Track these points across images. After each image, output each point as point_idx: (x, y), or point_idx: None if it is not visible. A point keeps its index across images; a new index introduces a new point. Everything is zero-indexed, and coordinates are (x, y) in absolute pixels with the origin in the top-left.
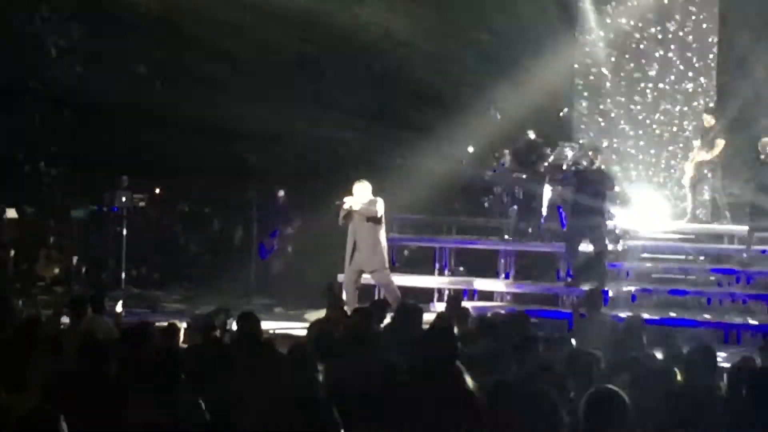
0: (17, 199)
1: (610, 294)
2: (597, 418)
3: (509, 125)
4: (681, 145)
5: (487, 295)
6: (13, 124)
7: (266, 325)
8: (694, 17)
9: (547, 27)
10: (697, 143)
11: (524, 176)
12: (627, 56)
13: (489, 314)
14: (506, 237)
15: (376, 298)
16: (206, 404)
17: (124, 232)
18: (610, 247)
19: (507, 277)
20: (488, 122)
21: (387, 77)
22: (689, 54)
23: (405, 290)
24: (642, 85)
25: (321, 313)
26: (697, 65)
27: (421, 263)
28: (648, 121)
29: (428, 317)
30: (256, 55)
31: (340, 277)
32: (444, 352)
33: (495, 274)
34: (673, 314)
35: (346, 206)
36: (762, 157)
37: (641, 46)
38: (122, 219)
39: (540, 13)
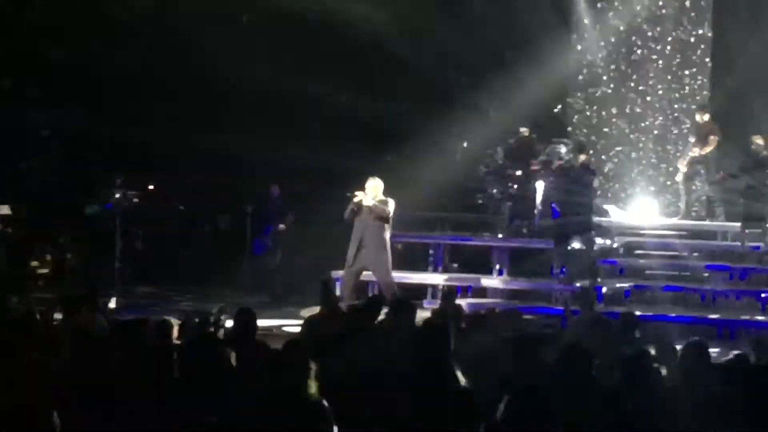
0: (10, 196)
1: (604, 290)
2: None
3: (503, 122)
4: (674, 142)
5: (481, 292)
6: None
7: (261, 322)
8: (687, 15)
9: (542, 26)
10: (690, 140)
11: (518, 173)
12: (621, 54)
13: (482, 311)
14: (500, 234)
15: (371, 294)
16: (199, 401)
17: (118, 228)
18: (603, 243)
19: (500, 273)
20: (482, 119)
21: (381, 75)
22: (683, 51)
23: (398, 287)
24: (635, 82)
25: (316, 310)
26: (690, 63)
27: (415, 260)
28: (641, 118)
29: (422, 314)
30: (253, 50)
31: (335, 274)
32: (438, 349)
33: (488, 271)
34: (666, 311)
35: (356, 200)
36: (755, 153)
37: (635, 45)
38: (116, 216)
39: (536, 12)
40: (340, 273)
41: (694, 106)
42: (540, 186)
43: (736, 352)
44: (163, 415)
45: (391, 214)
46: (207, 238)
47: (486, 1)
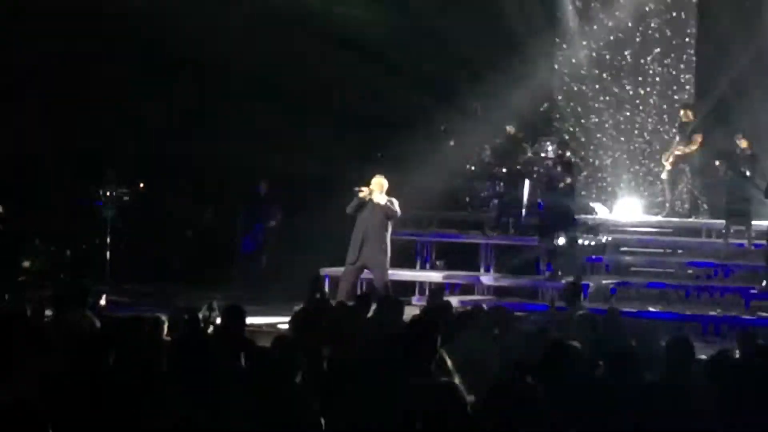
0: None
1: (590, 287)
2: None
3: (490, 120)
4: (659, 140)
5: (468, 289)
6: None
7: (251, 319)
8: (673, 13)
9: (530, 27)
10: (675, 138)
11: (504, 171)
12: (606, 55)
13: (470, 307)
14: (487, 231)
15: (359, 292)
16: (189, 397)
17: (108, 226)
18: (591, 240)
19: (488, 270)
20: (469, 117)
21: (369, 73)
22: (668, 51)
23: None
24: (621, 82)
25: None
26: (675, 62)
27: (402, 257)
28: (626, 118)
29: (410, 311)
30: (246, 53)
31: (326, 271)
32: (426, 345)
33: (475, 268)
34: (651, 307)
35: (362, 195)
36: (737, 151)
37: (621, 45)
38: (106, 213)
39: (524, 15)
40: (328, 270)
41: (677, 105)
42: (527, 184)
43: (720, 348)
44: (153, 411)
45: (399, 213)
46: (196, 235)
47: (475, 3)
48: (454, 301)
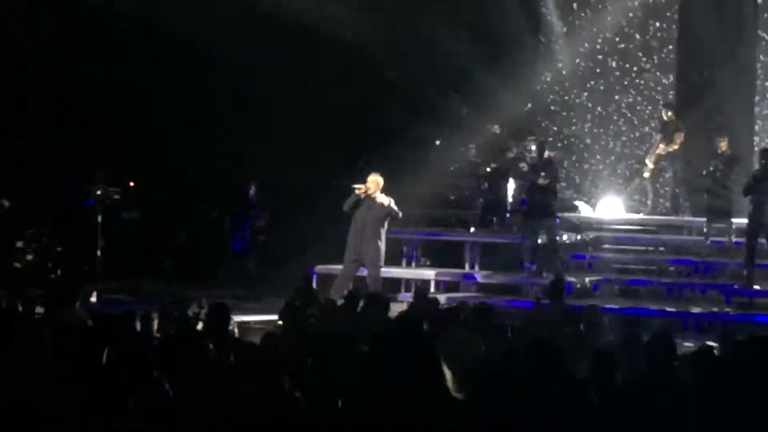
0: None
1: (573, 284)
2: None
3: (476, 120)
4: (642, 138)
5: (453, 286)
6: None
7: (241, 317)
8: (656, 22)
9: (515, 31)
10: (657, 137)
11: (489, 170)
12: (589, 56)
13: (455, 304)
14: (471, 229)
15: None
16: (177, 393)
17: (100, 224)
18: (572, 237)
19: (472, 267)
20: (455, 117)
21: (354, 72)
22: (649, 52)
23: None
24: (603, 83)
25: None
26: (656, 63)
27: (389, 255)
28: (610, 115)
29: (397, 308)
30: (236, 51)
31: (323, 268)
32: (412, 341)
33: (461, 266)
34: (633, 304)
35: (358, 192)
36: (718, 151)
37: (603, 46)
38: (98, 211)
39: (509, 19)
40: (317, 268)
41: (660, 106)
42: (511, 182)
43: (701, 344)
44: (142, 407)
45: (400, 214)
46: (187, 233)
47: (462, 8)
48: (442, 298)
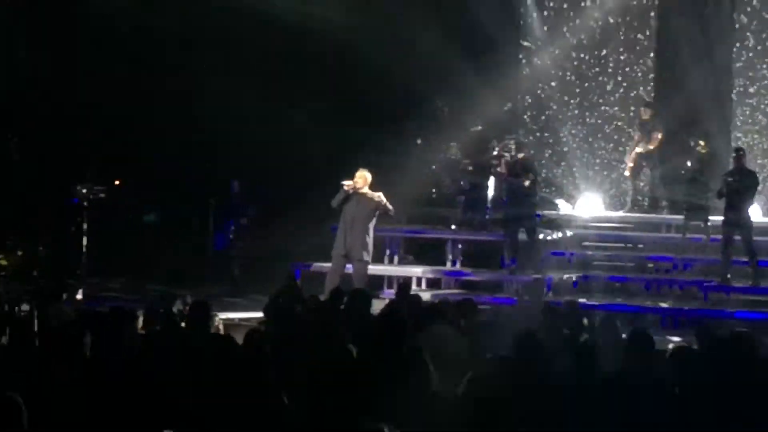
0: None
1: (553, 281)
2: None
3: (457, 119)
4: (620, 137)
5: (435, 283)
6: None
7: (225, 314)
8: (634, 23)
9: (496, 32)
10: (635, 136)
11: (470, 168)
12: (571, 56)
13: (438, 301)
14: (453, 226)
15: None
16: (164, 389)
17: (85, 222)
18: (551, 235)
19: (454, 264)
20: (436, 116)
21: (338, 72)
22: (629, 52)
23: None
24: (583, 83)
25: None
26: (635, 62)
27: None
28: (589, 114)
29: (379, 304)
30: (222, 46)
31: (298, 265)
32: (394, 338)
33: (442, 263)
34: (612, 300)
35: (347, 188)
36: (696, 150)
37: (584, 46)
38: (83, 210)
39: (488, 16)
40: (302, 264)
41: (635, 108)
42: (491, 180)
43: (679, 339)
44: (127, 404)
45: (393, 211)
46: (174, 232)
47: (443, 8)
48: (424, 295)
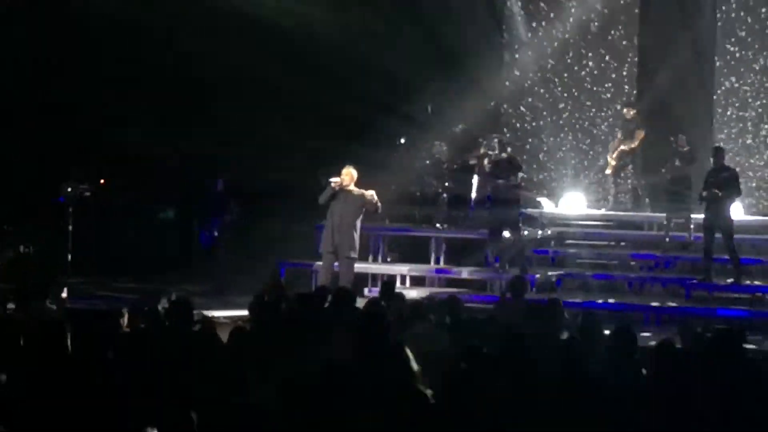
0: None
1: (536, 279)
2: None
3: (440, 118)
4: (603, 136)
5: (419, 280)
6: None
7: (210, 312)
8: (614, 11)
9: (479, 32)
10: (618, 134)
11: (454, 166)
12: (552, 55)
13: (422, 298)
14: (437, 225)
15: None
16: (146, 387)
17: (70, 221)
18: (535, 233)
19: (438, 263)
20: (421, 115)
21: (322, 70)
22: (611, 51)
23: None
24: (566, 82)
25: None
26: (618, 61)
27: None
28: (572, 113)
29: (364, 302)
30: (207, 46)
31: (283, 262)
32: (376, 334)
33: (426, 261)
34: (595, 298)
35: (334, 185)
36: (678, 149)
37: (565, 45)
38: (68, 209)
39: (474, 21)
40: (286, 262)
41: (619, 106)
42: (475, 179)
43: (662, 336)
44: (110, 401)
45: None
46: (158, 230)
47: (426, 9)
48: (408, 293)
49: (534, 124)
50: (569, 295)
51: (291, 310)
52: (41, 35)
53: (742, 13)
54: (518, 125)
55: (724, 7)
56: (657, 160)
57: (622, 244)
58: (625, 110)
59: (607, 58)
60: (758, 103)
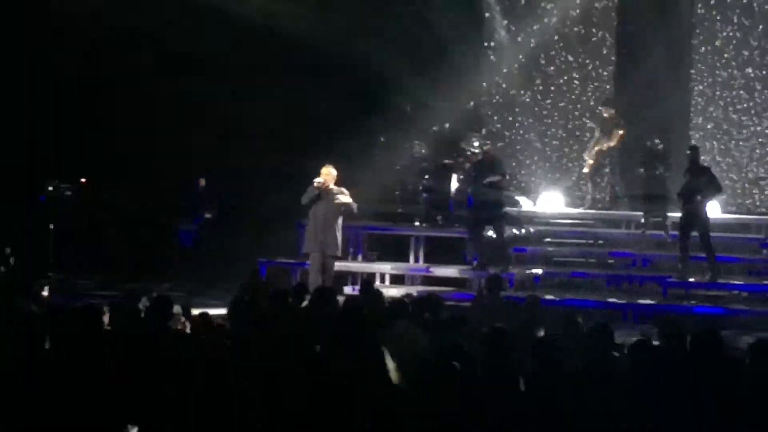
0: None
1: (515, 277)
2: None
3: (420, 118)
4: (581, 135)
5: (399, 279)
6: None
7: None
8: (593, 12)
9: (459, 33)
10: (596, 133)
11: (434, 165)
12: (531, 56)
13: (401, 296)
14: (417, 223)
15: (295, 282)
16: (126, 385)
17: (51, 220)
18: (514, 232)
19: (417, 261)
20: (400, 115)
21: (302, 70)
22: (589, 52)
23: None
24: (544, 81)
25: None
26: (596, 61)
27: None
28: (550, 113)
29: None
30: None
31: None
32: (354, 331)
33: (406, 259)
34: (574, 295)
35: (317, 185)
36: (654, 148)
37: (544, 45)
38: (49, 207)
39: (453, 23)
40: (267, 261)
41: (596, 107)
42: (454, 178)
43: (639, 333)
44: (90, 399)
45: (356, 209)
46: (139, 229)
47: (407, 10)
48: (390, 291)
49: (512, 122)
50: (547, 292)
51: (270, 308)
52: (21, 31)
53: (718, 16)
54: (499, 125)
55: (701, 7)
56: (634, 159)
57: (600, 242)
58: (603, 110)
59: (587, 61)
60: (735, 102)
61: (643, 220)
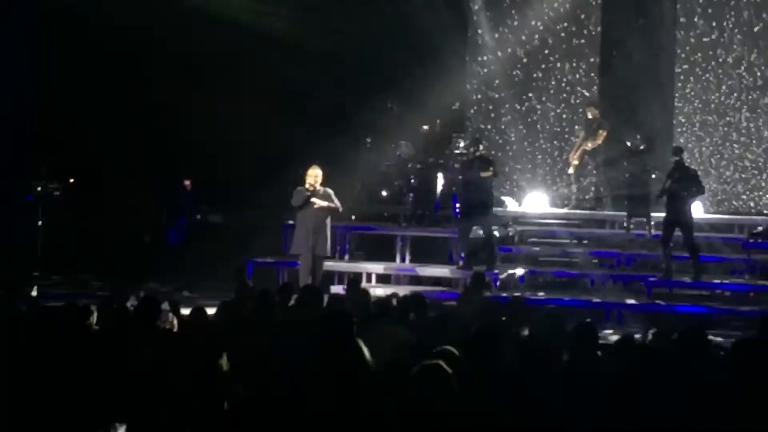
0: None
1: (500, 276)
2: None
3: (406, 118)
4: (565, 137)
5: (385, 278)
6: None
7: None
8: (576, 14)
9: (444, 34)
10: (581, 134)
11: (419, 166)
12: (516, 57)
13: (387, 296)
14: (403, 223)
15: (282, 282)
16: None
17: (40, 220)
18: (500, 232)
19: (403, 260)
20: (385, 116)
21: (287, 70)
22: (574, 51)
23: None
24: (529, 83)
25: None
26: (580, 63)
27: None
28: (535, 113)
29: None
30: (172, 47)
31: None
32: (340, 330)
33: (392, 258)
34: (558, 295)
35: (308, 187)
36: (639, 147)
37: (529, 46)
38: (38, 207)
39: (438, 24)
40: (253, 261)
41: (580, 107)
42: (440, 177)
43: (623, 332)
44: (78, 397)
45: (341, 208)
46: (127, 228)
47: (393, 10)
48: (376, 290)
49: (497, 123)
50: (532, 292)
51: (256, 309)
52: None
53: (699, 10)
54: (483, 126)
55: (681, 10)
56: (618, 158)
57: (585, 242)
58: (587, 110)
59: (571, 62)
60: (717, 103)
61: (626, 221)
